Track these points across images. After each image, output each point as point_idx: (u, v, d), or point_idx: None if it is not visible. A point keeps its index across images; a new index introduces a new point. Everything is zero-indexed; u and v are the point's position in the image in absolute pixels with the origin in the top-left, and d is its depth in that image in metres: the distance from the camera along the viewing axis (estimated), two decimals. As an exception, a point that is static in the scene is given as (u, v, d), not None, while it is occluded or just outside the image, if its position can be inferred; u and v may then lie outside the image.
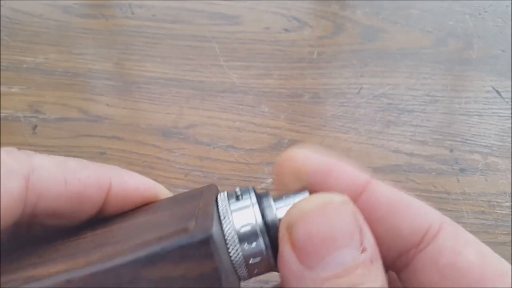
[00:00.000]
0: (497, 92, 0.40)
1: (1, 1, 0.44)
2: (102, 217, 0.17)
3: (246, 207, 0.14)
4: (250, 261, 0.13)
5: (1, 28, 0.42)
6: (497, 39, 0.44)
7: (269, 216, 0.14)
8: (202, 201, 0.15)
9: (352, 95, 0.39)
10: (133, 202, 0.17)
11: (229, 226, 0.13)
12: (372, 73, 0.41)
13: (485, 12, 0.47)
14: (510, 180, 0.34)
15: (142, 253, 0.12)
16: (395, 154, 0.36)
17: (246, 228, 0.13)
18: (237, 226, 0.13)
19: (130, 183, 0.17)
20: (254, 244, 0.13)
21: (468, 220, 0.32)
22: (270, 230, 0.14)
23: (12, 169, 0.15)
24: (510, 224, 0.32)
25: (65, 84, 0.39)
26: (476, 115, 0.38)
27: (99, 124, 0.35)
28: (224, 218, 0.14)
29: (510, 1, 0.47)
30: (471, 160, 0.36)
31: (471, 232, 0.33)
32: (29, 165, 0.15)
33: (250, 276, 0.14)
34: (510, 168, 0.35)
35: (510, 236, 0.31)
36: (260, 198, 0.14)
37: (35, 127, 0.36)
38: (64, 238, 0.16)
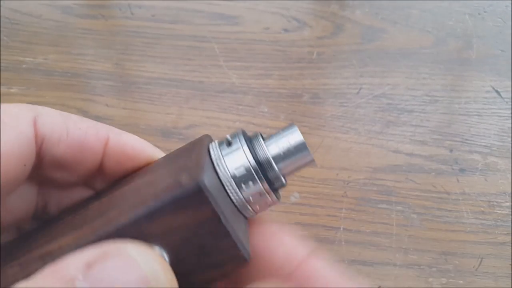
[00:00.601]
0: (497, 92, 0.40)
1: (1, 2, 0.44)
2: (105, 187, 0.17)
3: (237, 149, 0.14)
4: (251, 199, 0.14)
5: (1, 29, 0.42)
6: (497, 39, 0.44)
7: (261, 154, 0.14)
8: (194, 152, 0.15)
9: (351, 95, 0.39)
10: (131, 161, 0.17)
11: (223, 171, 0.14)
12: (371, 73, 0.41)
13: (485, 12, 0.47)
14: (509, 180, 0.34)
15: (139, 211, 0.13)
16: (395, 154, 0.36)
17: (240, 170, 0.14)
18: (231, 170, 0.14)
19: (127, 140, 0.17)
20: (250, 183, 0.14)
21: (468, 220, 0.32)
22: (264, 167, 0.14)
23: (19, 113, 0.15)
24: (509, 224, 0.32)
25: (64, 85, 0.39)
26: (476, 115, 0.38)
27: (99, 125, 0.35)
28: (217, 164, 0.14)
29: (510, 1, 0.47)
30: (471, 160, 0.36)
31: (471, 232, 0.33)
32: (35, 110, 0.16)
33: (255, 212, 0.15)
34: (509, 168, 0.35)
35: (509, 236, 0.31)
36: (250, 139, 0.15)
37: (34, 127, 0.36)
38: (72, 213, 0.16)
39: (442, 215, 0.32)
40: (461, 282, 0.29)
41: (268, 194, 0.14)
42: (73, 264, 0.12)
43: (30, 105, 0.16)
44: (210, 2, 0.45)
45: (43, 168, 0.17)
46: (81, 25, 0.43)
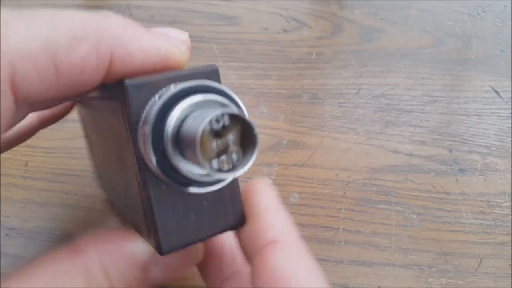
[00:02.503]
0: (496, 92, 0.40)
1: (1, 2, 0.44)
2: None
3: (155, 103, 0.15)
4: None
5: None
6: (496, 39, 0.44)
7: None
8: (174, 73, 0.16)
9: (350, 96, 0.39)
10: (140, 72, 0.16)
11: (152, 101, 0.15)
12: (370, 73, 0.41)
13: (484, 12, 0.47)
14: (509, 180, 0.34)
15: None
16: (394, 154, 0.35)
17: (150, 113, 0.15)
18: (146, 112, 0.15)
19: (136, 55, 0.16)
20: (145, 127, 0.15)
21: (467, 220, 0.32)
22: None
23: None
24: (509, 224, 0.32)
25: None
26: (475, 115, 0.38)
27: (98, 125, 0.35)
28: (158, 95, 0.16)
29: (509, 0, 0.47)
30: (470, 160, 0.36)
31: (470, 232, 0.33)
32: (8, 66, 0.13)
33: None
34: (509, 168, 0.35)
35: (509, 236, 0.31)
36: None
37: (33, 128, 0.36)
38: None
39: (441, 215, 0.32)
40: (461, 282, 0.29)
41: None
42: None
43: (6, 62, 0.13)
44: (209, 3, 0.45)
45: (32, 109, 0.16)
46: (79, 25, 0.43)
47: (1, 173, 0.32)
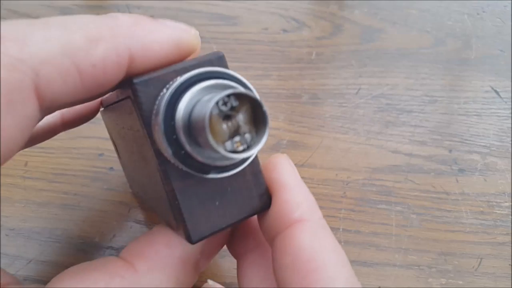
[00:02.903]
0: (496, 92, 0.40)
1: (0, 2, 0.44)
2: None
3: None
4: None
5: None
6: (496, 39, 0.44)
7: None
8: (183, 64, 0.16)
9: (350, 96, 0.39)
10: (160, 64, 0.16)
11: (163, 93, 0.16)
12: (370, 73, 0.41)
13: (484, 12, 0.47)
14: (509, 180, 0.34)
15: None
16: (394, 154, 0.35)
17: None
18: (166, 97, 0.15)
19: (154, 47, 0.16)
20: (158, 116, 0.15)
21: (467, 220, 0.32)
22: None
23: (16, 87, 0.13)
24: (509, 224, 0.32)
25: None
26: (475, 115, 0.38)
27: (97, 126, 0.35)
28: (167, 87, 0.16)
29: (509, 0, 0.47)
30: (470, 160, 0.36)
31: (470, 232, 0.33)
32: (31, 72, 0.13)
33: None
34: (509, 168, 0.35)
35: (509, 236, 0.31)
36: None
37: (33, 128, 0.36)
38: None
39: (441, 215, 0.32)
40: (461, 282, 0.29)
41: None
42: None
43: (26, 64, 0.13)
44: (209, 3, 0.45)
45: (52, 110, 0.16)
46: (79, 25, 0.43)
47: (1, 173, 0.32)
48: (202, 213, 0.16)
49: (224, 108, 0.14)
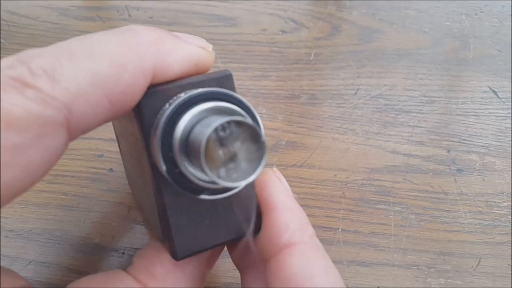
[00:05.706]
0: (494, 92, 0.40)
1: (0, 3, 0.44)
2: None
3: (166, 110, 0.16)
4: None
5: (-2, 31, 0.42)
6: (494, 39, 0.44)
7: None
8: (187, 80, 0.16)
9: (349, 96, 0.39)
10: (174, 79, 0.16)
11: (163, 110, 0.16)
12: (369, 74, 0.41)
13: (481, 12, 0.47)
14: (507, 180, 0.35)
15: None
16: (393, 154, 0.36)
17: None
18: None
19: (174, 66, 0.16)
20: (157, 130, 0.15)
21: (465, 221, 0.32)
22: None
23: (47, 122, 0.13)
24: (508, 224, 0.32)
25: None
26: (473, 115, 0.39)
27: (97, 127, 0.36)
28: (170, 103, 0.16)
29: (507, 0, 0.48)
30: (468, 160, 0.36)
31: (469, 232, 0.33)
32: (64, 109, 0.13)
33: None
34: (507, 168, 0.35)
35: (508, 236, 0.32)
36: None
37: (32, 130, 0.36)
38: None
39: (440, 215, 0.32)
40: (460, 282, 0.29)
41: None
42: None
43: (60, 105, 0.13)
44: (208, 4, 0.45)
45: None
46: (78, 27, 0.43)
47: (0, 174, 0.32)
48: (190, 231, 0.16)
49: (222, 134, 0.14)
